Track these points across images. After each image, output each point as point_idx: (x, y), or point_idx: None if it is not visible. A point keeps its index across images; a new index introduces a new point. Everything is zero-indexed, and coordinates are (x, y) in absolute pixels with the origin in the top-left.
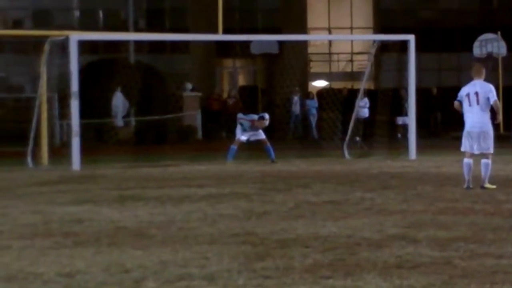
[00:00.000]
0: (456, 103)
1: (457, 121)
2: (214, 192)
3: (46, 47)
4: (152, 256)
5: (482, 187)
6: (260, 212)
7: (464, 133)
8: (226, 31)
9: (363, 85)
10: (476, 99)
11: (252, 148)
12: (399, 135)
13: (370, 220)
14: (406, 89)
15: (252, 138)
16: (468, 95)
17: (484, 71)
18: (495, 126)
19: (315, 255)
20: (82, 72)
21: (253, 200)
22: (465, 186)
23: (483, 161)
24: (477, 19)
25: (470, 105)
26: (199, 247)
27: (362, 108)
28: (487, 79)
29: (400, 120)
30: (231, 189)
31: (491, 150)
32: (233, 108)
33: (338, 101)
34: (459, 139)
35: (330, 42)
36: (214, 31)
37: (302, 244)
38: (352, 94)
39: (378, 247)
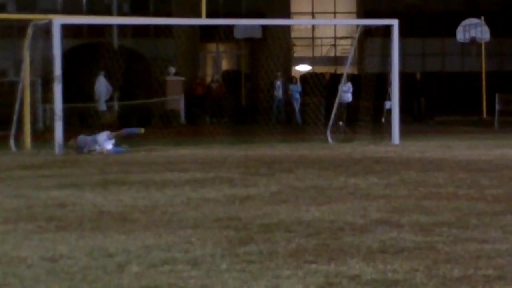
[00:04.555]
0: None
1: (441, 106)
2: (197, 176)
3: (29, 31)
4: (135, 240)
5: None
6: (244, 196)
7: None
8: (209, 15)
9: (346, 70)
10: None
11: (236, 134)
12: (383, 120)
13: (354, 205)
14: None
15: None
16: None
17: None
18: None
19: (298, 240)
20: (66, 56)
21: (237, 185)
22: None
23: None
24: (461, 4)
25: None
26: (182, 231)
27: (345, 93)
28: (468, 64)
29: (388, 105)
30: (214, 174)
31: None
32: (216, 92)
33: (321, 86)
34: (443, 124)
35: (313, 27)
36: (198, 15)
37: (286, 229)
38: (335, 79)
39: (361, 232)
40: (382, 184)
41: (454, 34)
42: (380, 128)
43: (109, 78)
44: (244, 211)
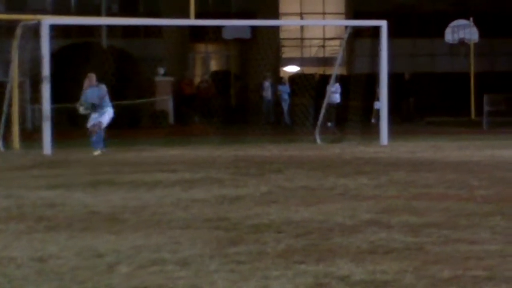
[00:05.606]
0: None
1: (430, 107)
2: (187, 177)
3: (18, 31)
4: (125, 240)
5: None
6: (233, 197)
7: None
8: (199, 16)
9: (335, 70)
10: None
11: (226, 134)
12: (373, 120)
13: (343, 205)
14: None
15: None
16: None
17: None
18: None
19: (288, 240)
20: (55, 56)
21: (226, 185)
22: None
23: None
24: (450, 5)
25: None
26: (172, 232)
27: (334, 93)
28: (457, 65)
29: (377, 105)
30: (204, 174)
31: None
32: (205, 93)
33: (310, 87)
34: (432, 124)
35: (302, 28)
36: (187, 15)
37: (275, 229)
38: (324, 80)
39: (351, 233)
40: (371, 184)
41: (443, 35)
42: (369, 128)
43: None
44: (234, 211)
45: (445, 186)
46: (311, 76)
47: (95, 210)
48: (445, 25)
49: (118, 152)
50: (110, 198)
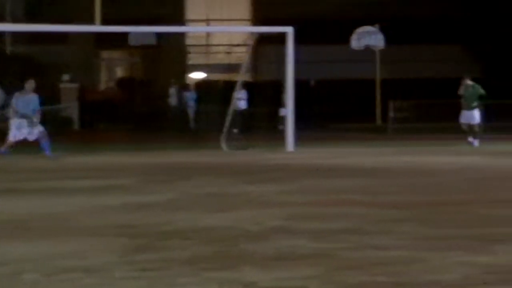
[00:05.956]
0: None
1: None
2: (95, 184)
3: None
4: (32, 248)
5: None
6: (140, 204)
7: None
8: (104, 22)
9: (241, 77)
10: None
11: (132, 141)
12: (281, 127)
13: (250, 212)
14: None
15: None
16: None
17: None
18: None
19: (195, 247)
20: None
21: (133, 192)
22: None
23: None
24: (356, 11)
25: None
26: (79, 239)
27: (240, 100)
28: (363, 71)
29: (283, 112)
30: (112, 181)
31: None
32: (110, 99)
33: (215, 93)
34: (338, 130)
35: (208, 34)
36: (93, 21)
37: (182, 236)
38: (230, 86)
39: (258, 239)
40: (278, 191)
41: (348, 41)
42: (275, 135)
43: (2, 85)
44: (141, 218)
45: (352, 192)
46: (215, 82)
47: (1, 218)
48: (350, 32)
49: (22, 159)
50: (17, 205)
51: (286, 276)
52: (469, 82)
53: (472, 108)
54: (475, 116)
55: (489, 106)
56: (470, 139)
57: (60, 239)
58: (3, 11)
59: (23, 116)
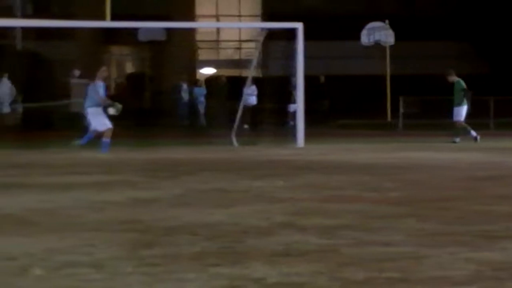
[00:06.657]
0: None
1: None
2: (101, 179)
3: None
4: (38, 243)
5: None
6: (148, 199)
7: None
8: (114, 17)
9: (250, 72)
10: None
11: (140, 136)
12: (292, 122)
13: (258, 207)
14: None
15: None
16: None
17: None
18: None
19: (202, 243)
20: None
21: (141, 188)
22: None
23: None
24: (365, 7)
25: None
26: (86, 234)
27: (250, 95)
28: (374, 68)
29: (292, 108)
30: (118, 177)
31: None
32: (119, 95)
33: (225, 89)
34: (347, 127)
35: (218, 30)
36: (102, 17)
37: (190, 232)
38: (237, 82)
39: (265, 235)
40: (286, 187)
41: (358, 37)
42: (285, 130)
43: (12, 80)
44: (148, 213)
45: (360, 188)
46: (219, 78)
47: (6, 212)
48: (360, 28)
49: (31, 154)
50: (23, 200)
51: (294, 272)
52: (455, 78)
53: (456, 104)
54: (458, 112)
55: (497, 102)
56: (473, 133)
57: (67, 234)
58: (13, 7)
59: (101, 105)
